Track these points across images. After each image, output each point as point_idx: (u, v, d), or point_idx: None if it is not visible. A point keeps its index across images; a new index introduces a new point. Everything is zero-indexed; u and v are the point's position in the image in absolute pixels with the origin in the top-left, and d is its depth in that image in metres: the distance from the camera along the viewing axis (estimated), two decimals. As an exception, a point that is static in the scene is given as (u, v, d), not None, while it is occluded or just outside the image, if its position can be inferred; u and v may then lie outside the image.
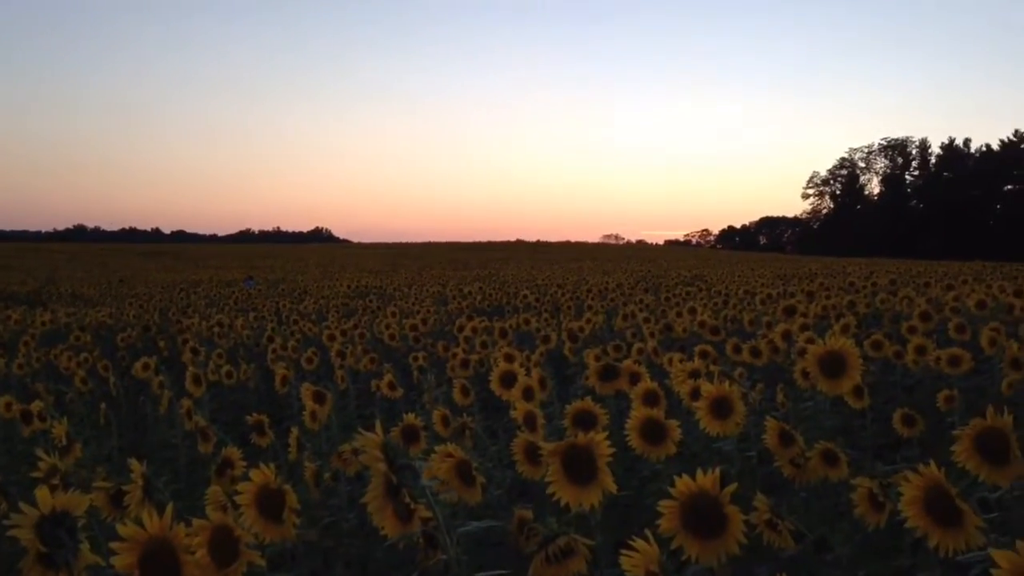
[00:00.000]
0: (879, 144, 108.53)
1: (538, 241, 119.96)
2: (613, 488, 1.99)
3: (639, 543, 1.62)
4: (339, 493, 3.25)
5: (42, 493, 1.84)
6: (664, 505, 1.92)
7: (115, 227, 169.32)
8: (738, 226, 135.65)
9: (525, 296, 14.96)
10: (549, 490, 2.02)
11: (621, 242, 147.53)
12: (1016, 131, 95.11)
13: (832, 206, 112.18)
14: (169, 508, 1.66)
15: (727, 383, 3.07)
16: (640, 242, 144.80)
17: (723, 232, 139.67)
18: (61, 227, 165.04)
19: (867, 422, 4.29)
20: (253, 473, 2.21)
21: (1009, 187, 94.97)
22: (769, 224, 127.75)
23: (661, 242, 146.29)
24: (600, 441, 1.98)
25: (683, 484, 1.92)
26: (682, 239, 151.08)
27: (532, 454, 2.88)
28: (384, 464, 1.60)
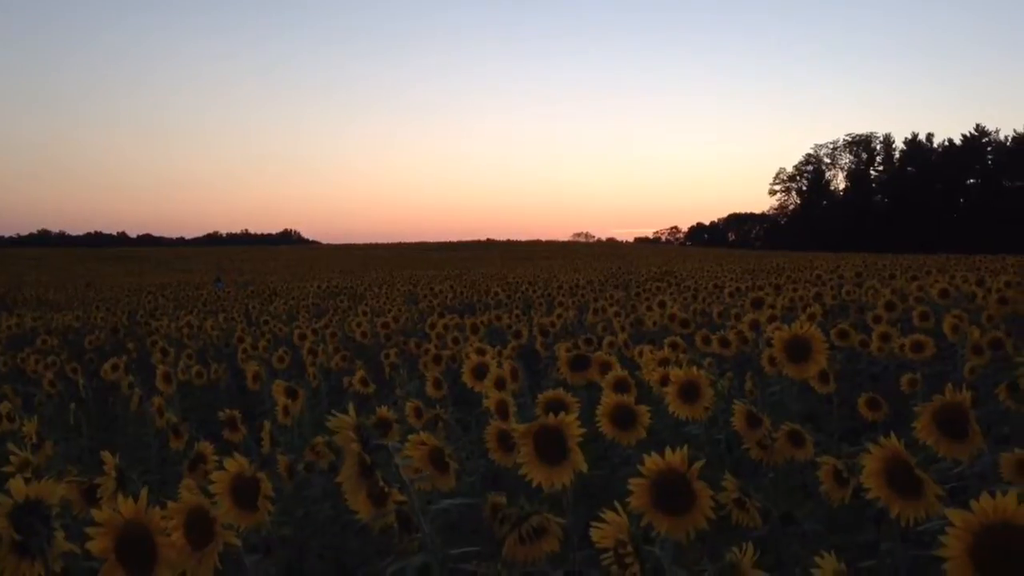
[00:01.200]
0: (844, 140, 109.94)
1: (508, 240, 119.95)
2: (584, 467, 2.02)
3: (609, 514, 1.66)
4: (313, 484, 3.26)
5: (15, 482, 1.84)
6: (634, 483, 1.95)
7: (80, 231, 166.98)
8: (707, 223, 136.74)
9: (496, 293, 14.98)
10: (521, 471, 2.05)
11: (591, 240, 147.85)
12: (977, 125, 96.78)
13: (799, 202, 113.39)
14: (144, 492, 1.67)
15: (695, 368, 3.11)
16: (610, 240, 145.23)
17: (692, 229, 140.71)
18: (25, 232, 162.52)
19: (833, 407, 4.37)
20: (227, 462, 2.22)
21: (971, 181, 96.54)
22: (737, 221, 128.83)
23: (631, 240, 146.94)
24: (570, 422, 2.01)
25: (652, 462, 1.95)
26: (652, 236, 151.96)
27: (505, 441, 2.91)
28: (358, 445, 1.63)
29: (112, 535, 1.65)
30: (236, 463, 2.25)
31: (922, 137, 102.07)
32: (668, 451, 1.95)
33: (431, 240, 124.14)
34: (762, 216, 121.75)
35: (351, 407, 1.69)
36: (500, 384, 3.84)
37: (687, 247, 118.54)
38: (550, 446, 2.03)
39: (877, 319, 6.93)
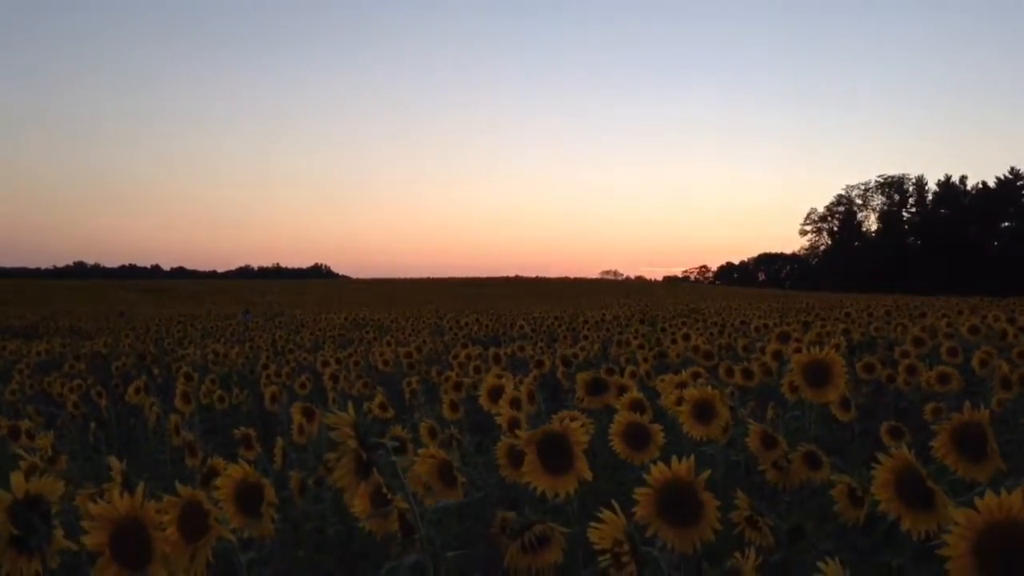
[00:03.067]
0: (876, 181, 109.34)
1: (536, 277, 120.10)
2: (588, 475, 1.98)
3: (606, 514, 1.62)
4: (324, 499, 3.23)
5: (16, 477, 1.84)
6: (639, 492, 1.91)
7: (115, 263, 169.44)
8: (736, 263, 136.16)
9: (521, 326, 14.96)
10: (525, 479, 2.02)
11: (620, 278, 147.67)
12: (1012, 168, 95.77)
13: (830, 242, 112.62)
14: (141, 486, 1.66)
15: (710, 387, 3.07)
16: (639, 278, 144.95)
17: (721, 269, 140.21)
18: (61, 264, 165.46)
19: (855, 435, 4.29)
20: (231, 468, 2.21)
21: (1006, 224, 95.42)
22: (767, 260, 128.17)
23: (660, 278, 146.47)
24: (575, 428, 1.98)
25: (658, 471, 1.91)
26: (680, 275, 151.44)
27: (515, 457, 2.87)
28: (355, 441, 1.61)
29: (107, 529, 1.64)
30: (241, 469, 2.24)
31: (955, 179, 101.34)
32: (675, 461, 1.91)
33: (459, 276, 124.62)
34: (792, 256, 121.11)
35: (351, 405, 1.68)
36: (515, 404, 3.81)
37: (716, 286, 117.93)
38: (555, 454, 2.00)
39: (905, 354, 6.82)
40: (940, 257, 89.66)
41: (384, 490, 2.25)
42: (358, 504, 2.10)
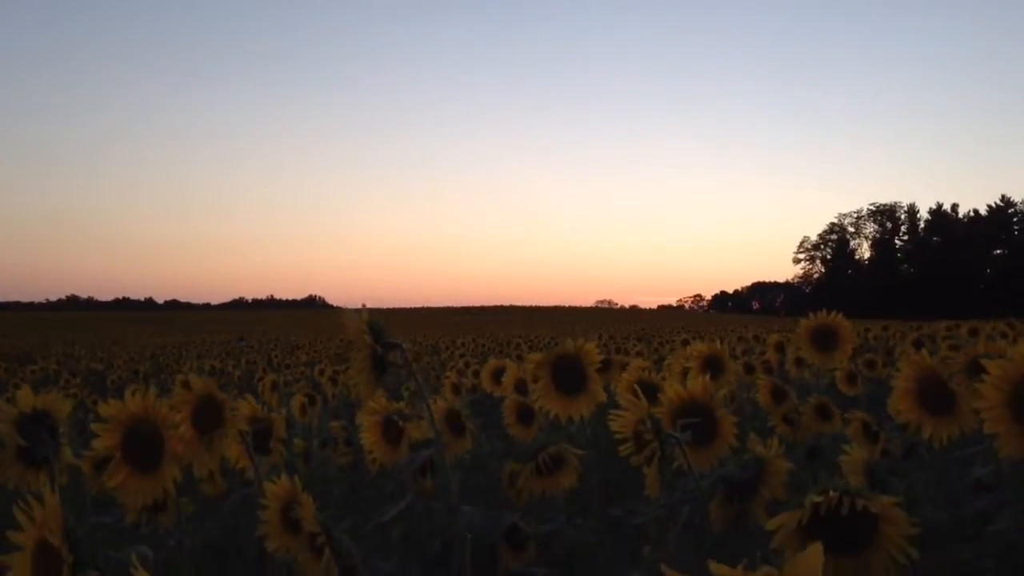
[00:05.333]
0: (868, 209, 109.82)
1: (531, 306, 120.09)
2: (603, 397, 1.96)
3: (627, 399, 1.59)
4: (329, 461, 3.19)
5: (23, 392, 1.81)
6: (656, 411, 1.89)
7: (109, 297, 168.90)
8: (731, 291, 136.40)
9: (519, 344, 14.91)
10: (536, 404, 1.99)
11: (615, 307, 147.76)
12: (1003, 196, 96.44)
13: (823, 270, 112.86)
14: (151, 389, 1.63)
15: (718, 342, 3.05)
16: (633, 307, 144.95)
17: (716, 297, 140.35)
18: (54, 297, 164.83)
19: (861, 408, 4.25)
20: (240, 404, 2.18)
21: (998, 251, 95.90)
22: (761, 289, 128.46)
23: (654, 307, 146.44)
24: (590, 349, 1.95)
25: (672, 390, 1.88)
26: (675, 304, 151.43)
27: (524, 415, 2.85)
28: (370, 337, 1.58)
29: (119, 431, 1.60)
30: (248, 404, 2.21)
31: (947, 207, 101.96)
32: (691, 378, 1.89)
33: (455, 305, 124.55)
34: (786, 285, 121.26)
35: (364, 304, 1.65)
36: (519, 382, 3.78)
37: (711, 314, 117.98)
38: (568, 376, 1.97)
39: (904, 354, 6.81)
40: (934, 284, 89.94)
41: (397, 419, 2.23)
42: (374, 403, 2.07)
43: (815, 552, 0.62)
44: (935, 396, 1.77)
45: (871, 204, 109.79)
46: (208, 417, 1.67)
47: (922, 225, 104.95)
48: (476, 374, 6.43)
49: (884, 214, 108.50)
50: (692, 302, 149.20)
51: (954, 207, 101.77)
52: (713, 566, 0.61)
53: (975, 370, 2.21)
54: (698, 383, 1.87)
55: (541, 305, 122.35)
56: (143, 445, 1.59)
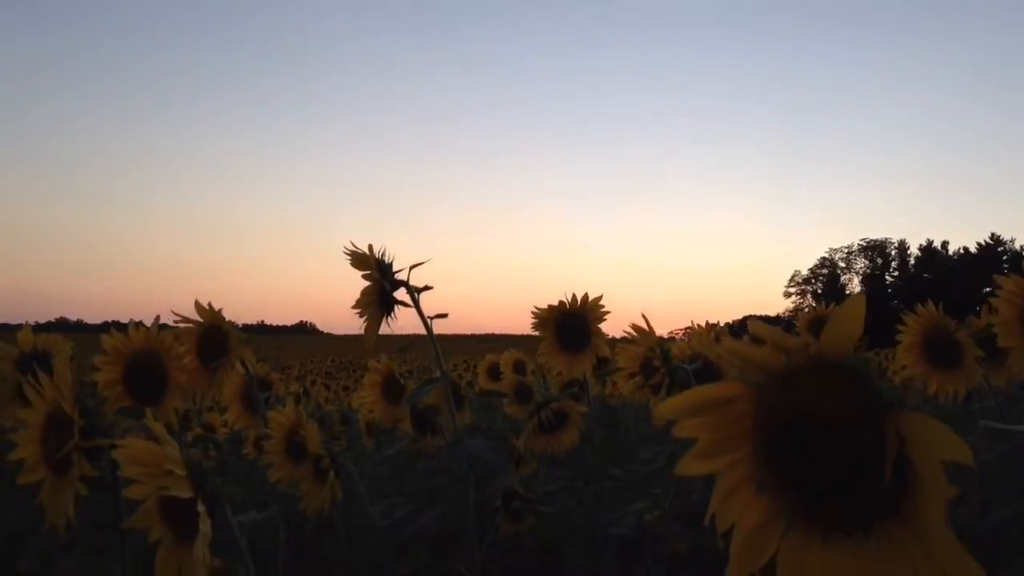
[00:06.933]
0: (858, 244, 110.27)
1: (522, 335, 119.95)
2: (607, 352, 1.95)
3: (637, 329, 1.58)
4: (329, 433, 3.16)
5: (24, 332, 1.80)
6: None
7: (97, 319, 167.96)
8: (722, 323, 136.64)
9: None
10: (540, 360, 1.98)
11: (607, 339, 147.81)
12: (992, 234, 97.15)
13: (814, 304, 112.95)
14: (156, 318, 1.62)
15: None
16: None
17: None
18: (43, 320, 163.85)
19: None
20: (273, 414, 2.16)
21: (988, 290, 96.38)
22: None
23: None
24: (594, 305, 1.95)
25: (677, 348, 1.88)
26: (667, 336, 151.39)
27: (522, 393, 2.84)
28: (378, 273, 1.57)
29: (120, 363, 1.59)
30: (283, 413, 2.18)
31: (937, 244, 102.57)
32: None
33: (449, 333, 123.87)
34: (776, 318, 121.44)
35: (370, 245, 1.64)
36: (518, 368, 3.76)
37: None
38: (571, 332, 1.97)
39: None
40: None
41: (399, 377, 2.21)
42: (368, 394, 2.06)
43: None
44: (941, 349, 1.77)
45: (862, 240, 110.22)
46: (213, 348, 1.66)
47: (912, 261, 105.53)
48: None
49: (875, 250, 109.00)
50: (683, 334, 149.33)
51: (944, 244, 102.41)
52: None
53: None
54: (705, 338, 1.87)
55: (531, 334, 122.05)
56: (146, 376, 1.57)
